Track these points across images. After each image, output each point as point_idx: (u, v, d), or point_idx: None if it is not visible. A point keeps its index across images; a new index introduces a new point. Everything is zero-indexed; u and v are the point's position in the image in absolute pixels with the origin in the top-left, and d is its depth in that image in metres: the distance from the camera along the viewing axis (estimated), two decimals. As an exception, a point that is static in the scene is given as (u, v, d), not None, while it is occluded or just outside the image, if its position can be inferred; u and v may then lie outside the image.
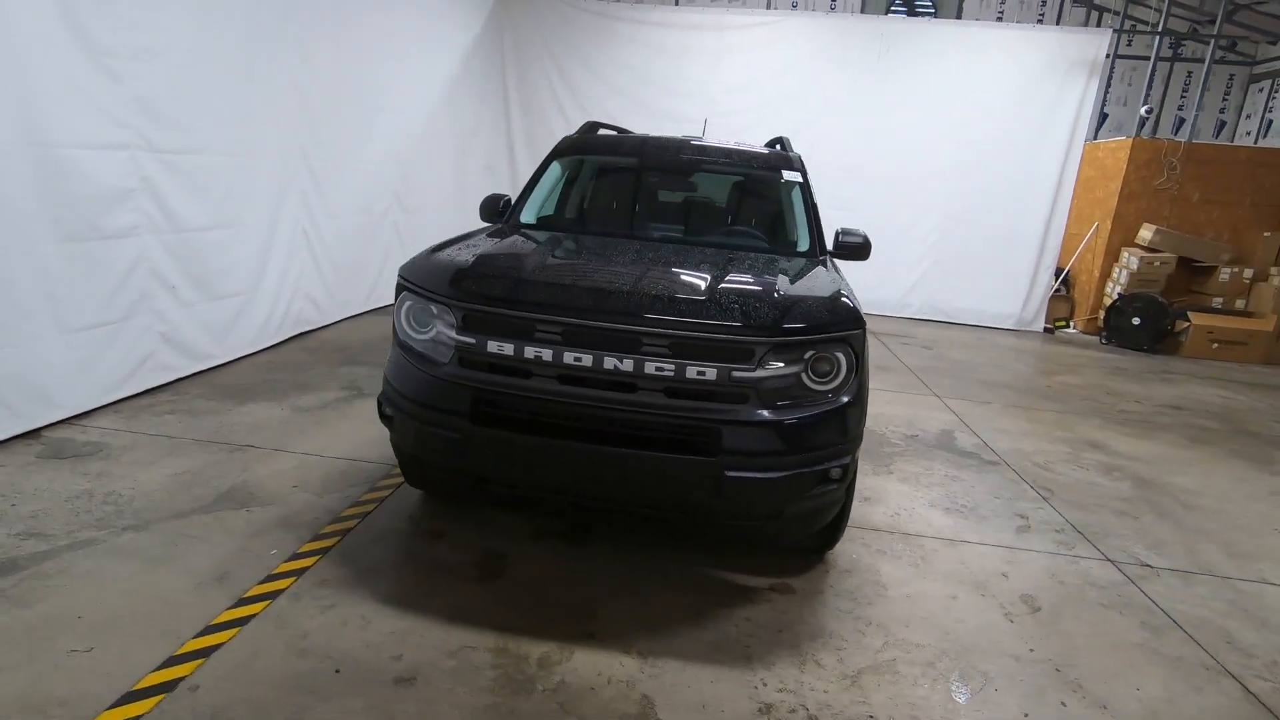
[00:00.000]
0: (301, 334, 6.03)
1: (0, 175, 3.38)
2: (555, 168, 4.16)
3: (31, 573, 2.59)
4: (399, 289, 2.85)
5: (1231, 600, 3.18)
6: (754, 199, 4.21)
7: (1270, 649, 2.83)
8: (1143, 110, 10.10)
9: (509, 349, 2.55)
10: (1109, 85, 12.64)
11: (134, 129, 4.08)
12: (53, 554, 2.71)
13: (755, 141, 4.75)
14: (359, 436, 4.06)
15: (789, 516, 2.70)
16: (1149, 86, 10.37)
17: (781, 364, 2.54)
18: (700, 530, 3.29)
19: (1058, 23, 12.24)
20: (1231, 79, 12.84)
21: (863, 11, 12.67)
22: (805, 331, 2.56)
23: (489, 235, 3.40)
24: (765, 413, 2.52)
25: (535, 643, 2.46)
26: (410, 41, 7.27)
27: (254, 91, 5.05)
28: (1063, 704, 2.40)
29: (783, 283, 2.88)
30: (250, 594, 2.59)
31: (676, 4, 11.35)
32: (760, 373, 2.50)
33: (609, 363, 2.48)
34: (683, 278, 2.84)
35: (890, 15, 12.45)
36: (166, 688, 2.12)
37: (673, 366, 2.47)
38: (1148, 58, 10.88)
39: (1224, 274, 9.31)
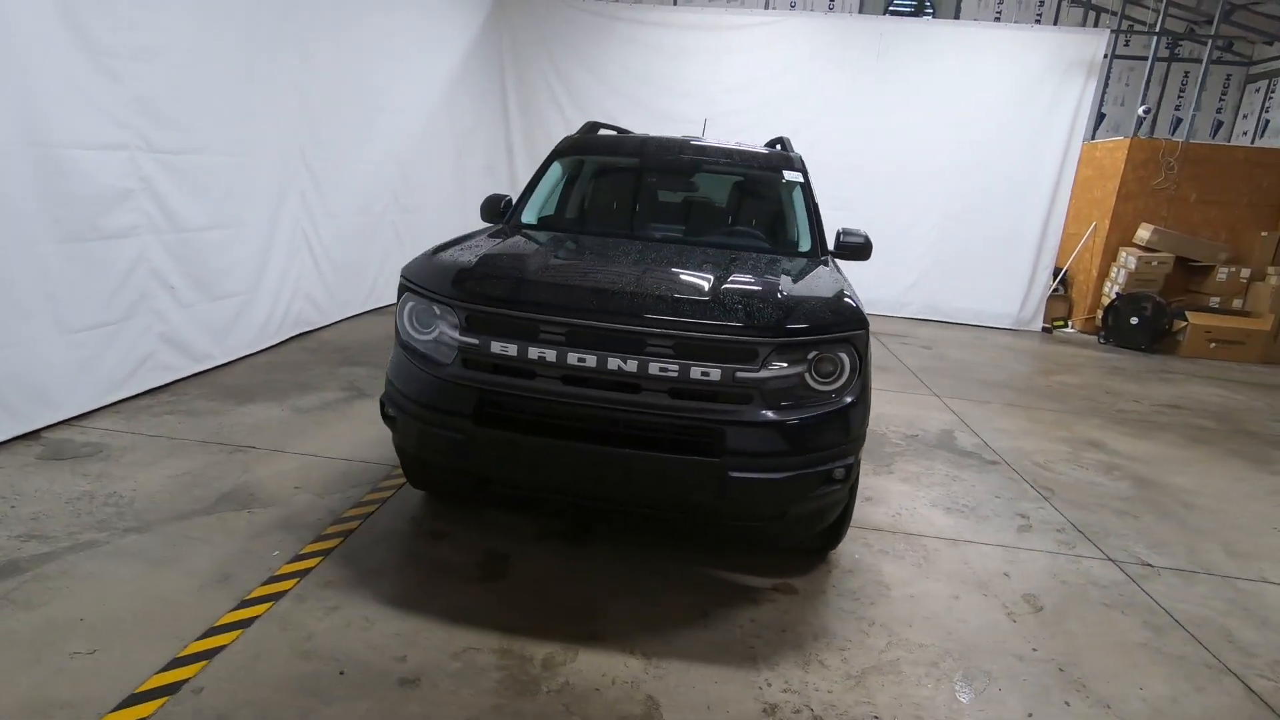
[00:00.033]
0: (301, 334, 6.02)
1: (0, 175, 3.37)
2: (556, 168, 4.15)
3: (33, 575, 2.58)
4: (401, 289, 2.84)
5: (1232, 599, 3.19)
6: (755, 199, 4.21)
7: (1271, 648, 2.84)
8: (1141, 110, 10.13)
9: (513, 350, 2.55)
10: (1106, 85, 12.67)
11: (134, 129, 4.07)
12: (54, 556, 2.70)
13: (755, 142, 4.76)
14: (360, 437, 4.05)
15: (792, 517, 2.70)
16: (1146, 86, 10.40)
17: (785, 364, 2.54)
18: (701, 530, 3.29)
19: (1055, 23, 12.25)
20: (1228, 79, 12.87)
21: (861, 11, 12.68)
22: (809, 332, 2.56)
23: (490, 236, 3.40)
24: (769, 413, 2.52)
25: (539, 643, 2.46)
26: (410, 41, 7.26)
27: (254, 91, 5.04)
28: (1066, 703, 2.41)
29: (786, 283, 2.88)
30: (253, 595, 2.58)
31: (675, 4, 11.35)
32: (764, 373, 2.51)
33: (613, 363, 2.48)
34: (686, 278, 2.84)
35: (888, 15, 12.46)
36: (170, 690, 2.11)
37: (677, 367, 2.47)
38: (1145, 58, 10.91)
39: (1221, 273, 9.34)
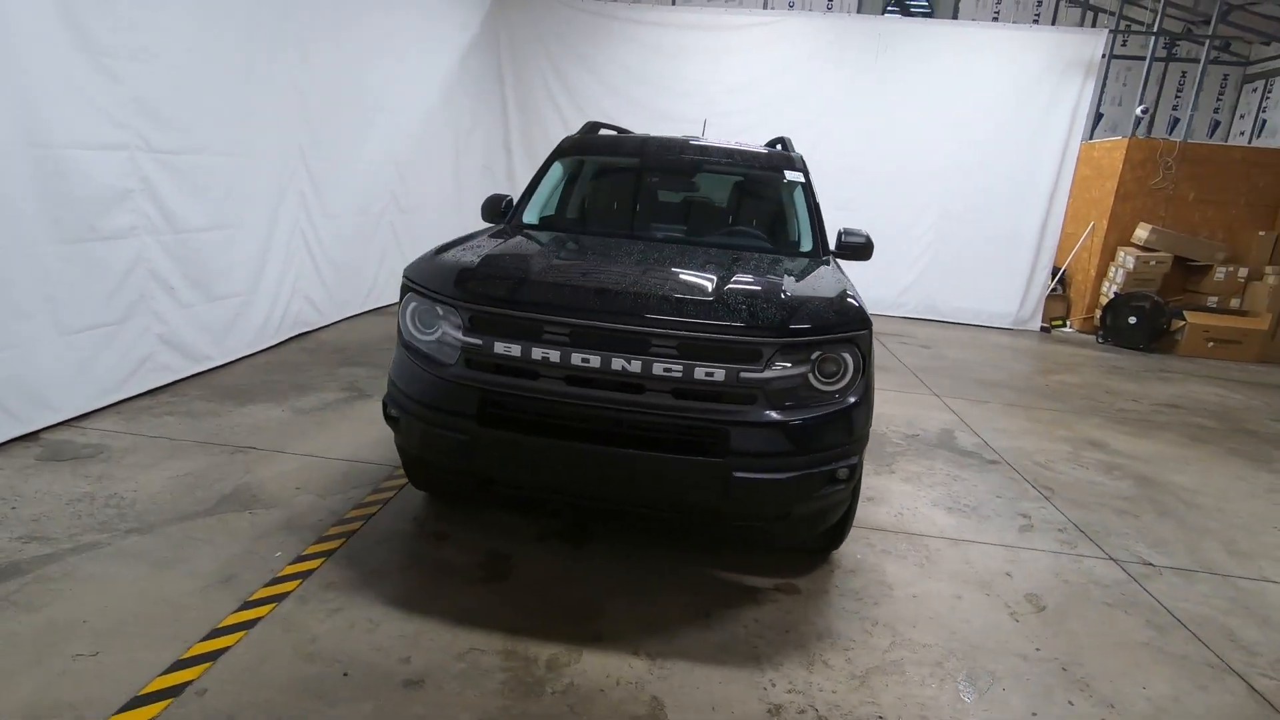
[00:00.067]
0: (300, 335, 6.00)
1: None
2: (557, 168, 4.15)
3: (35, 577, 2.57)
4: (404, 290, 2.84)
5: (1233, 598, 3.20)
6: (757, 199, 4.21)
7: (1273, 647, 2.85)
8: (1139, 110, 10.15)
9: (516, 350, 2.54)
10: (1104, 85, 12.69)
11: (133, 129, 4.06)
12: (56, 558, 2.69)
13: (755, 142, 4.75)
14: (360, 438, 4.05)
15: (796, 517, 2.70)
16: (1144, 86, 10.42)
17: (789, 364, 2.54)
18: (703, 530, 3.29)
19: (1053, 23, 12.28)
20: (1225, 79, 12.91)
21: (859, 11, 12.68)
22: (812, 332, 2.56)
23: (492, 236, 3.39)
24: (773, 413, 2.52)
25: (543, 644, 2.46)
26: (409, 41, 7.25)
27: (253, 91, 5.02)
28: (1070, 703, 2.41)
29: (789, 283, 2.88)
30: (256, 597, 2.57)
31: (673, 3, 11.34)
32: (768, 373, 2.50)
33: (617, 364, 2.48)
34: (690, 279, 2.84)
35: (887, 15, 12.47)
36: (174, 692, 2.10)
37: (681, 367, 2.47)
38: (1143, 58, 10.93)
39: (1219, 273, 9.36)
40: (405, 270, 2.88)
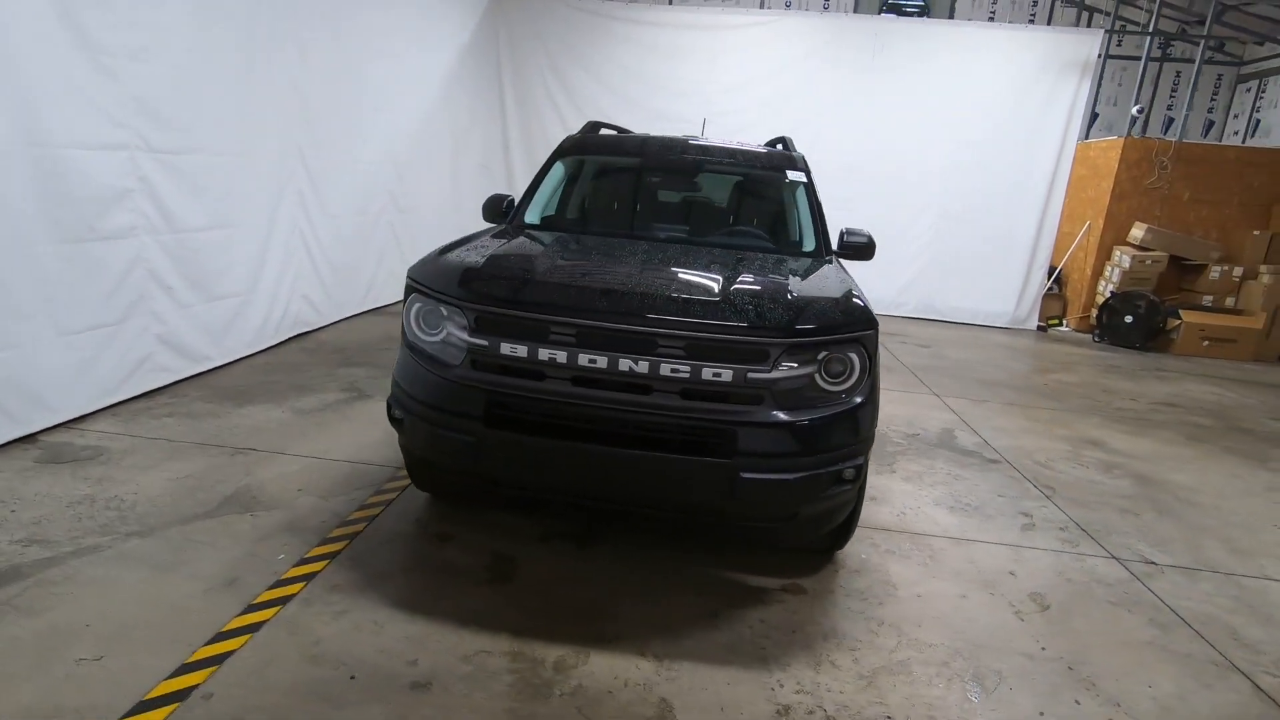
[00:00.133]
0: (299, 335, 5.98)
1: (-2, 176, 3.34)
2: (559, 168, 4.13)
3: (36, 580, 2.55)
4: (408, 290, 2.82)
5: (1236, 596, 3.21)
6: (760, 199, 4.20)
7: (1277, 645, 2.86)
8: (1134, 110, 10.17)
9: (523, 351, 2.53)
10: (1099, 85, 12.73)
11: (132, 129, 4.03)
12: (57, 561, 2.67)
13: (754, 141, 4.75)
14: (361, 438, 4.03)
15: (803, 518, 2.70)
16: (1140, 86, 10.45)
17: (795, 365, 2.53)
18: (706, 531, 3.28)
19: (1049, 23, 12.30)
20: (1219, 79, 12.96)
21: (856, 11, 12.69)
22: (820, 332, 2.56)
23: (495, 236, 3.38)
24: (780, 414, 2.51)
25: (550, 646, 2.45)
26: (408, 41, 7.23)
27: (252, 91, 5.00)
28: (1076, 702, 2.42)
29: (795, 283, 2.88)
30: (260, 600, 2.56)
31: (670, 3, 11.32)
32: (775, 374, 2.50)
33: (624, 364, 2.47)
34: (696, 279, 2.83)
35: (883, 15, 12.48)
36: (180, 696, 2.09)
37: (688, 368, 2.46)
38: (1137, 58, 10.96)
39: (1214, 272, 9.41)
40: (409, 271, 2.86)
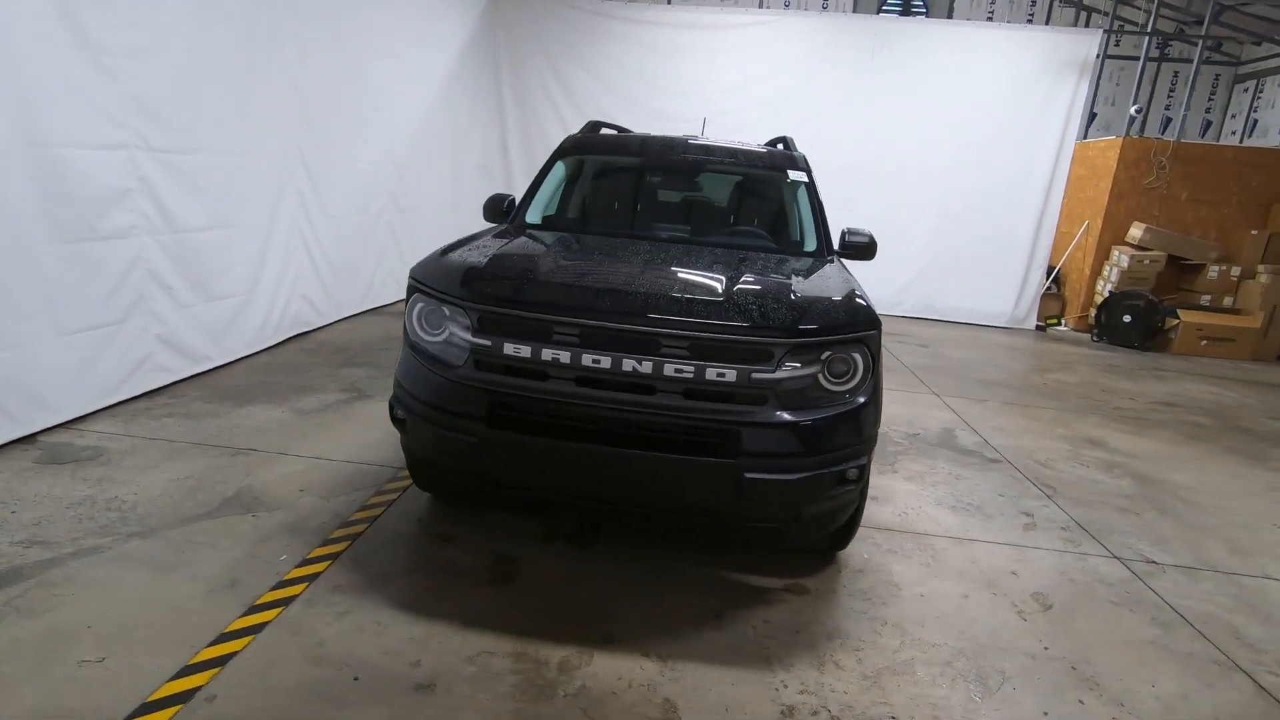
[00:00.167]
0: (299, 335, 5.97)
1: (-3, 175, 3.33)
2: (560, 168, 4.13)
3: (37, 582, 2.54)
4: (410, 290, 2.81)
5: (1236, 596, 3.22)
6: (762, 199, 4.20)
7: (1277, 644, 2.86)
8: (1133, 110, 10.19)
9: (526, 351, 2.53)
10: (1097, 85, 12.75)
11: (132, 128, 4.02)
12: (58, 562, 2.66)
13: (754, 140, 4.75)
14: (362, 439, 4.02)
15: (806, 518, 2.70)
16: (1138, 86, 10.47)
17: (799, 365, 2.53)
18: (708, 531, 3.28)
19: (1047, 22, 12.32)
20: (1217, 79, 12.99)
21: (855, 11, 12.70)
22: (823, 332, 2.55)
23: (497, 236, 3.37)
24: (784, 414, 2.51)
25: (554, 647, 2.44)
26: (408, 41, 7.22)
27: (252, 91, 4.99)
28: (1080, 701, 2.42)
29: (798, 283, 2.88)
30: (262, 601, 2.55)
31: (669, 2, 11.32)
32: (779, 374, 2.50)
33: (628, 365, 2.47)
34: (699, 279, 2.83)
35: (883, 15, 12.49)
36: (183, 698, 2.08)
37: (692, 368, 2.46)
38: (1136, 58, 10.98)
39: (1212, 272, 9.43)
40: (412, 271, 2.85)
